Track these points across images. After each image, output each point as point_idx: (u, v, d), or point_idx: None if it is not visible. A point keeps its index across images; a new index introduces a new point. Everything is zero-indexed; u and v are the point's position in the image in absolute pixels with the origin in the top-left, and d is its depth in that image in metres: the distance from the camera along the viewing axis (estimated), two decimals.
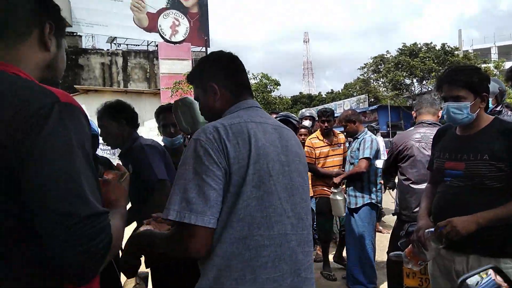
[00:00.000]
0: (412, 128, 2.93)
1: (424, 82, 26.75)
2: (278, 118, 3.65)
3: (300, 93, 47.43)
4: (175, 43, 20.45)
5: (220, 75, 1.31)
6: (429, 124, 2.76)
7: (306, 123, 4.92)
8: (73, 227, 0.76)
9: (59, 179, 0.77)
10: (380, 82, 29.81)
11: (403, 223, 2.61)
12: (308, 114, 5.13)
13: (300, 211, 1.23)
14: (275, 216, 1.15)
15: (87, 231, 0.77)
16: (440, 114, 2.80)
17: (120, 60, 19.69)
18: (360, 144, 3.62)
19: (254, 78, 19.28)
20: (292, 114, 4.13)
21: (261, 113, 1.30)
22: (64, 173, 0.78)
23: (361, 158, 3.53)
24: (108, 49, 20.37)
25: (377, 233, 4.05)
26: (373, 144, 3.58)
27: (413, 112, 3.16)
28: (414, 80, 27.35)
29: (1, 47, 0.91)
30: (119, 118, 2.37)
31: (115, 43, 21.52)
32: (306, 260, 1.23)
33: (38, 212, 0.77)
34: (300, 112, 5.54)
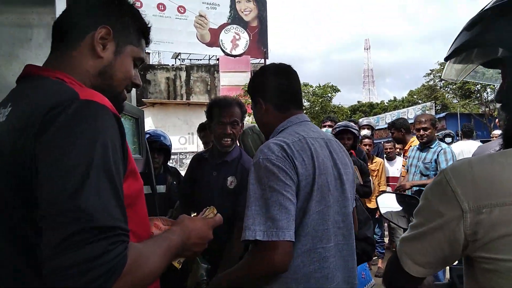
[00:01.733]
0: (496, 139, 2.92)
1: (496, 87, 24.61)
2: (338, 128, 3.63)
3: (359, 101, 46.05)
4: (235, 56, 21.11)
5: (265, 89, 1.33)
6: None
7: (364, 132, 4.77)
8: (68, 236, 0.61)
9: (63, 175, 0.65)
10: (448, 89, 28.02)
11: None
12: (366, 123, 4.99)
13: (349, 222, 1.27)
14: (332, 229, 1.20)
15: (83, 245, 0.61)
16: None
17: (183, 75, 20.69)
18: (438, 155, 3.43)
19: (310, 87, 19.08)
20: (352, 123, 4.00)
21: (313, 127, 1.32)
22: (69, 169, 0.65)
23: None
24: (172, 64, 21.53)
25: None
26: (454, 156, 3.40)
27: (497, 120, 3.32)
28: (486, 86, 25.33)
29: (56, 52, 0.89)
30: None
31: (179, 59, 22.72)
32: (355, 268, 1.29)
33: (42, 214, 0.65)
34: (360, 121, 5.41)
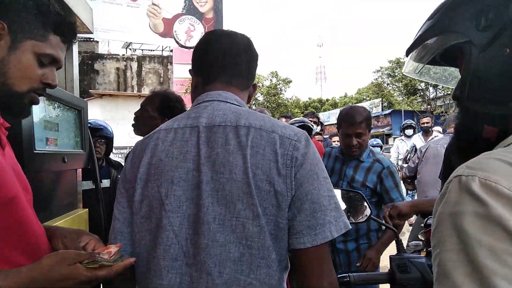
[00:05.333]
0: (440, 135, 3.65)
1: (440, 86, 26.36)
2: (297, 125, 3.61)
3: (310, 98, 47.18)
4: (190, 48, 20.69)
5: (192, 60, 1.05)
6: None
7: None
8: None
9: None
10: (395, 86, 29.52)
11: (424, 217, 2.74)
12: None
13: (206, 259, 0.81)
14: (169, 261, 0.83)
15: None
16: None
17: (134, 65, 19.99)
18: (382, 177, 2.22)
19: (265, 80, 19.30)
20: (307, 119, 4.12)
21: (211, 109, 0.93)
22: None
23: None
24: (123, 54, 20.70)
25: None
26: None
27: (425, 119, 4.40)
28: (429, 85, 26.99)
29: None
30: None
31: (130, 49, 21.87)
32: None
33: None
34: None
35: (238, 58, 0.99)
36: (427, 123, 5.52)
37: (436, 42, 0.69)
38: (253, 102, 19.93)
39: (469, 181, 0.49)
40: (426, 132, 5.73)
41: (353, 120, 2.15)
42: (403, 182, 4.14)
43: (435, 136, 5.65)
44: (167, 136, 0.91)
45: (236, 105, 0.95)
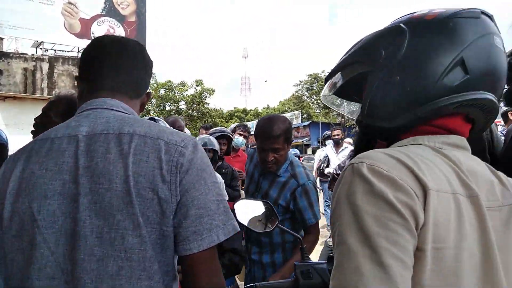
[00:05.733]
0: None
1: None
2: (217, 134, 3.66)
3: (235, 107, 47.84)
4: None
5: (80, 67, 1.00)
6: None
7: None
8: None
9: None
10: (313, 99, 31.33)
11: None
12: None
13: (82, 275, 0.77)
14: (42, 280, 0.78)
15: None
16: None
17: (45, 66, 18.41)
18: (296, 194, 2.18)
19: (189, 88, 19.17)
20: (226, 129, 4.14)
21: (86, 119, 0.89)
22: None
23: None
24: (32, 54, 18.98)
25: None
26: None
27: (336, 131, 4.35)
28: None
29: None
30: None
31: (41, 48, 20.13)
32: None
33: None
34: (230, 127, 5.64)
35: (128, 65, 0.96)
36: (337, 135, 6.02)
37: (348, 70, 0.83)
38: (175, 110, 19.59)
39: (359, 167, 0.62)
40: (337, 143, 6.25)
41: (269, 134, 1.93)
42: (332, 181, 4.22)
43: (345, 147, 6.18)
44: (42, 147, 0.86)
45: (122, 112, 0.92)
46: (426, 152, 0.67)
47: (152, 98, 19.81)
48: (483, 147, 2.02)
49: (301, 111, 31.92)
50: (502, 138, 1.95)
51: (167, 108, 20.17)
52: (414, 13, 0.76)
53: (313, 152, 23.57)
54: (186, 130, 3.78)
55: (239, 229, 0.89)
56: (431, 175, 0.61)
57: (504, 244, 0.63)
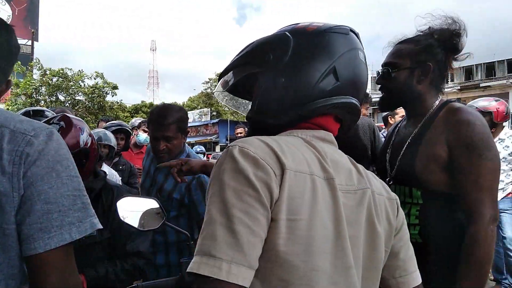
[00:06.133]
0: None
1: None
2: (113, 128, 3.53)
3: (142, 101, 45.89)
4: None
5: None
6: None
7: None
8: None
9: None
10: None
11: None
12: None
13: None
14: None
15: None
16: None
17: None
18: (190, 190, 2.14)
19: (89, 79, 17.82)
20: (125, 123, 4.02)
21: None
22: None
23: None
24: None
25: None
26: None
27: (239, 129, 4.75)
28: None
29: None
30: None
31: None
32: None
33: None
34: (131, 121, 5.41)
35: None
36: (240, 133, 6.06)
37: (239, 70, 0.89)
38: (70, 101, 17.90)
39: (232, 149, 0.69)
40: None
41: (162, 122, 1.91)
42: None
43: None
44: None
45: None
46: (295, 141, 0.76)
47: (42, 86, 17.86)
48: (363, 145, 2.22)
49: (211, 109, 31.89)
50: (383, 139, 2.14)
51: (61, 98, 18.30)
52: (297, 24, 0.85)
53: (221, 149, 23.78)
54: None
55: (100, 227, 0.84)
56: (292, 158, 0.69)
57: (356, 220, 0.75)
